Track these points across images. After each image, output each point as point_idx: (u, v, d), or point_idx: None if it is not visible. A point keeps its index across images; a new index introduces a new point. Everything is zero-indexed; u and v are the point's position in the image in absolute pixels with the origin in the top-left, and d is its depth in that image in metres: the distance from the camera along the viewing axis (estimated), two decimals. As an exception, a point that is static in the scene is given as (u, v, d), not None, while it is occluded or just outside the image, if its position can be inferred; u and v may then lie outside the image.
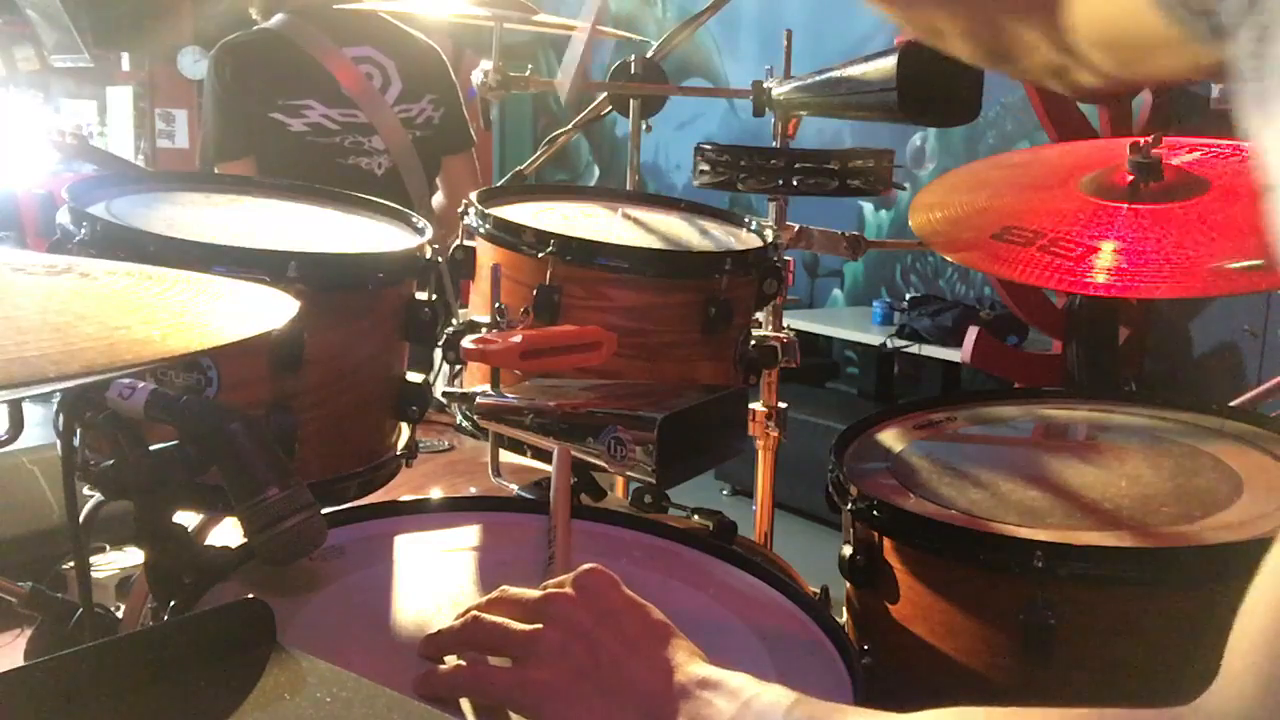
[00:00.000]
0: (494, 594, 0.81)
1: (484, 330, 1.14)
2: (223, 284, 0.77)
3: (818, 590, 1.22)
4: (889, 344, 4.73)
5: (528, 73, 1.73)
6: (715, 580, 1.01)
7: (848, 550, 1.13)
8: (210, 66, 2.50)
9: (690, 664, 0.74)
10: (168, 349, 0.60)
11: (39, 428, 1.06)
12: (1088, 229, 1.38)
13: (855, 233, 1.78)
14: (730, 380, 1.29)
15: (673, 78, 2.18)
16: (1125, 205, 1.39)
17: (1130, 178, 1.41)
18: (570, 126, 1.98)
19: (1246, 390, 1.69)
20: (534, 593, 0.79)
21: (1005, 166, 1.77)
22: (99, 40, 6.43)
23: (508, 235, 1.22)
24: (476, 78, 1.72)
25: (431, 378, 1.22)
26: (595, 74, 1.94)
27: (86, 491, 0.94)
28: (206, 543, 0.94)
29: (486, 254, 1.25)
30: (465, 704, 0.76)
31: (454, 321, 1.24)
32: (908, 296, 4.99)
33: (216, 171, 2.43)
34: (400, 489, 1.21)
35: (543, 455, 1.15)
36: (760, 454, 1.80)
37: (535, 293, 1.17)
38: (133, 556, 2.22)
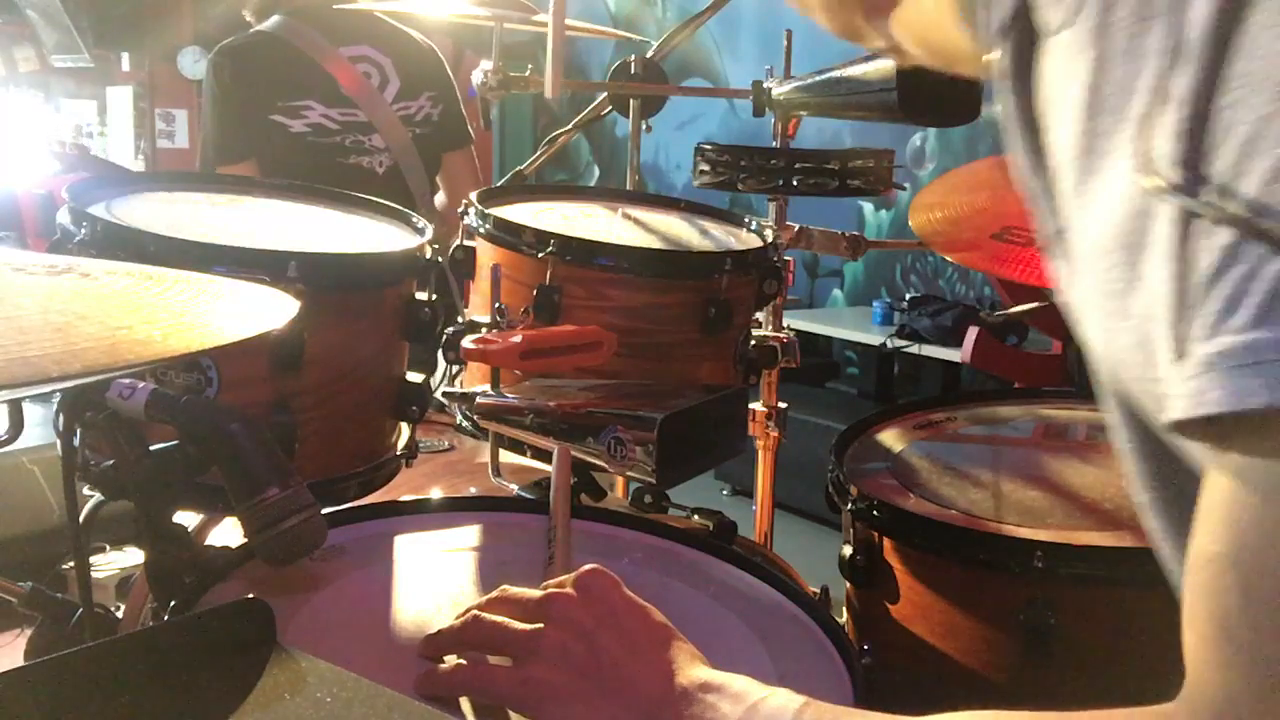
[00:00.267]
0: (494, 593, 0.81)
1: (484, 330, 1.14)
2: (223, 284, 0.77)
3: (818, 590, 1.22)
4: (889, 344, 4.73)
5: (528, 73, 1.73)
6: (715, 580, 1.01)
7: (848, 550, 1.13)
8: (208, 70, 2.50)
9: (692, 667, 0.74)
10: (168, 349, 0.60)
11: (39, 428, 1.06)
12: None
13: (855, 233, 1.78)
14: (730, 380, 1.29)
15: (673, 78, 2.19)
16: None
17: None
18: (570, 126, 1.98)
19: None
20: (534, 592, 0.79)
21: (1005, 166, 1.77)
22: (99, 40, 6.43)
23: (508, 235, 1.22)
24: (476, 78, 1.72)
25: (435, 379, 1.22)
26: (595, 74, 1.94)
27: (86, 491, 0.94)
28: (206, 543, 0.94)
29: (486, 254, 1.25)
30: (465, 703, 0.76)
31: (459, 321, 1.24)
32: (908, 296, 4.99)
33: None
34: (400, 489, 1.21)
35: (543, 455, 1.15)
36: (760, 454, 1.80)
37: (535, 293, 1.17)
38: (133, 556, 2.22)
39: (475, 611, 0.80)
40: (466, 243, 1.28)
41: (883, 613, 1.11)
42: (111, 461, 0.88)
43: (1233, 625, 0.49)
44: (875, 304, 5.12)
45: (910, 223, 1.52)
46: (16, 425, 0.95)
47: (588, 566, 0.79)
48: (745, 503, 2.33)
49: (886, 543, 1.10)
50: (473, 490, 1.29)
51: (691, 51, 6.20)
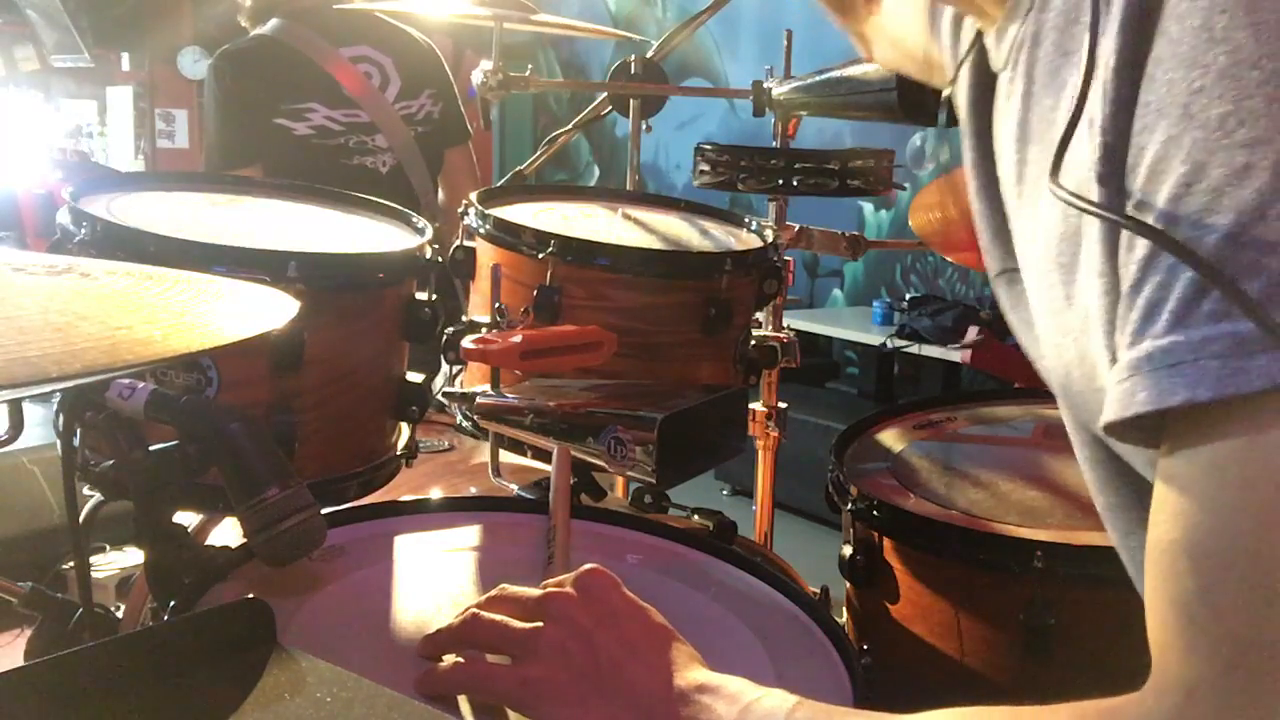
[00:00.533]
0: (493, 592, 0.81)
1: (484, 330, 1.14)
2: (223, 284, 0.77)
3: (818, 590, 1.22)
4: (889, 344, 4.73)
5: (528, 73, 1.73)
6: (715, 580, 1.01)
7: (848, 550, 1.13)
8: (210, 75, 2.50)
9: (689, 668, 0.74)
10: (168, 349, 0.60)
11: (39, 428, 1.07)
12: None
13: (855, 233, 1.78)
14: (730, 380, 1.28)
15: (673, 78, 2.18)
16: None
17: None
18: (570, 126, 1.98)
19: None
20: (533, 591, 0.79)
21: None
22: (99, 40, 6.43)
23: (508, 235, 1.22)
24: (476, 78, 1.72)
25: (436, 381, 1.22)
26: (595, 74, 1.94)
27: (86, 491, 0.94)
28: (206, 543, 0.94)
29: (486, 254, 1.25)
30: (464, 702, 0.76)
31: (462, 321, 1.24)
32: (908, 296, 4.99)
33: (223, 179, 2.42)
34: (400, 489, 1.21)
35: (543, 455, 1.15)
36: (760, 454, 1.80)
37: (535, 293, 1.17)
38: (133, 556, 2.22)
39: (474, 610, 0.80)
40: (466, 243, 1.28)
41: (883, 613, 1.11)
42: (111, 461, 0.88)
43: (1192, 607, 0.52)
44: (875, 304, 5.12)
45: (910, 223, 1.52)
46: (16, 425, 0.95)
47: (587, 566, 0.79)
48: (745, 503, 2.33)
49: (886, 543, 1.10)
50: (473, 490, 1.29)
51: (691, 51, 6.20)
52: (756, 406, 1.75)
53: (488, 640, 0.78)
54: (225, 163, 2.46)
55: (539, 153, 2.01)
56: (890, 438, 1.30)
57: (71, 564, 1.06)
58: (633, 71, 1.77)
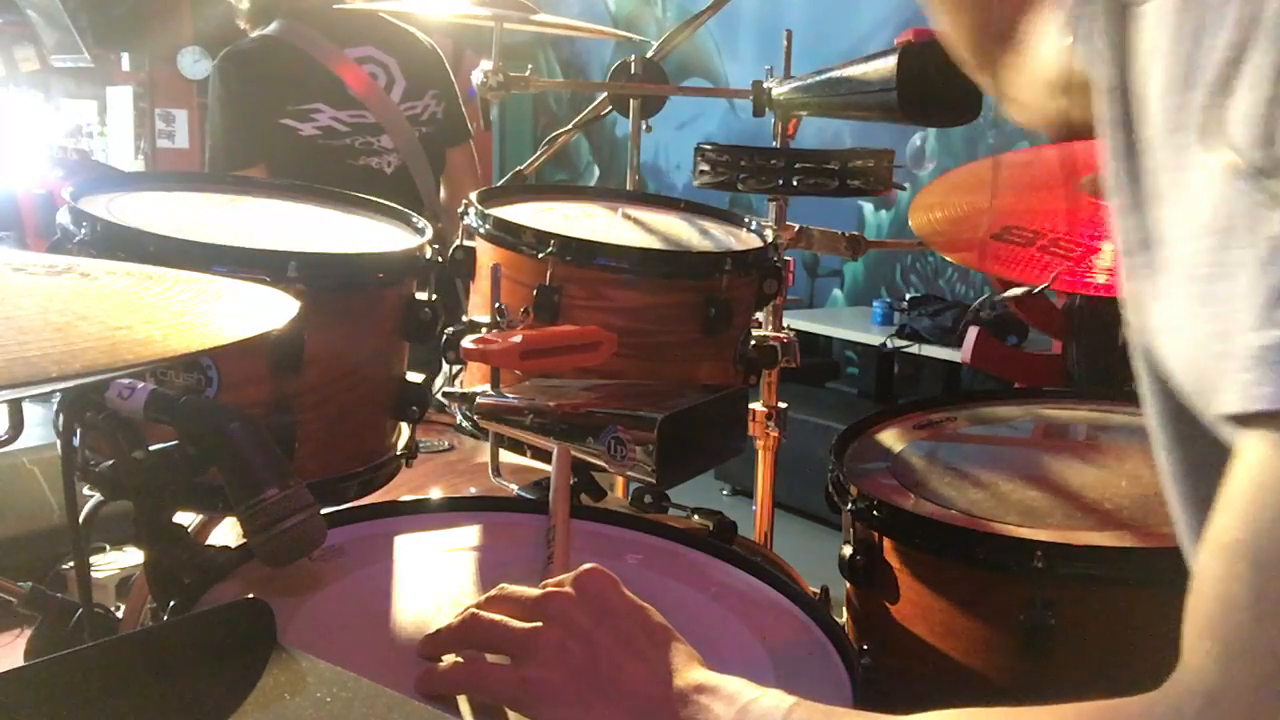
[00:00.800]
0: (493, 592, 0.81)
1: (484, 330, 1.14)
2: (223, 284, 0.77)
3: (818, 590, 1.22)
4: (889, 344, 4.73)
5: (528, 73, 1.73)
6: (715, 580, 1.01)
7: (848, 550, 1.13)
8: (215, 76, 2.49)
9: (688, 669, 0.74)
10: (168, 349, 0.60)
11: (39, 428, 1.06)
12: (1088, 229, 1.38)
13: (855, 233, 1.78)
14: (730, 380, 1.29)
15: (673, 78, 2.18)
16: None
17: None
18: (570, 126, 1.98)
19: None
20: (533, 591, 0.79)
21: (1005, 166, 1.77)
22: (99, 40, 6.42)
23: (508, 235, 1.22)
24: (476, 78, 1.72)
25: (436, 381, 1.22)
26: (595, 74, 1.94)
27: (86, 491, 0.94)
28: (206, 543, 0.94)
29: (486, 254, 1.25)
30: (463, 702, 0.76)
31: (462, 321, 1.24)
32: (908, 296, 4.99)
33: (227, 180, 2.42)
34: (400, 489, 1.21)
35: (543, 455, 1.15)
36: (760, 454, 1.80)
37: (535, 293, 1.17)
38: (133, 556, 2.22)
39: (474, 610, 0.80)
40: (466, 243, 1.28)
41: (883, 613, 1.11)
42: (111, 461, 0.88)
43: (1240, 614, 0.49)
44: (875, 304, 5.12)
45: (910, 223, 1.52)
46: (16, 425, 0.95)
47: (586, 566, 0.79)
48: (745, 503, 2.33)
49: (886, 543, 1.10)
50: (473, 490, 1.29)
51: (691, 51, 6.20)
52: (756, 406, 1.75)
53: (487, 640, 0.78)
54: (230, 163, 2.46)
55: (539, 153, 2.01)
56: (890, 438, 1.30)
57: (71, 564, 1.06)
58: (633, 71, 1.77)
